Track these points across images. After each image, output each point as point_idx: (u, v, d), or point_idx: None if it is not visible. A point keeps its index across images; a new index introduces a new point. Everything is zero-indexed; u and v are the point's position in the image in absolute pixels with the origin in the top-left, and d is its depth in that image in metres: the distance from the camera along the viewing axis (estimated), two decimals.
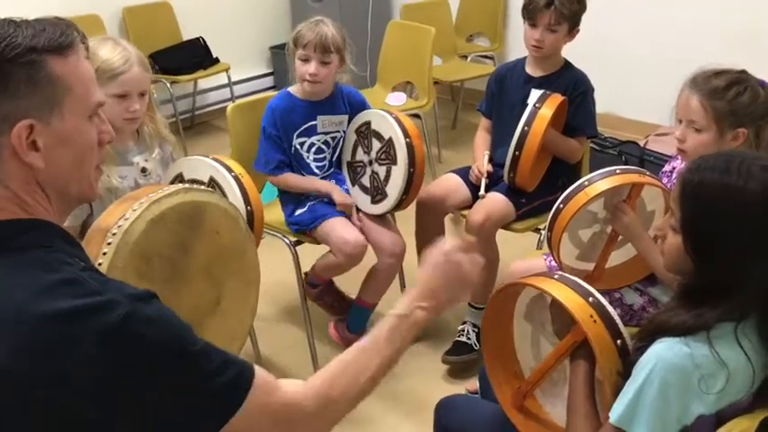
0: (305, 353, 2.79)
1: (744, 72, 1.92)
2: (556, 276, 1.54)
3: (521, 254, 2.73)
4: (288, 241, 2.70)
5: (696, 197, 1.32)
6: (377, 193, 2.66)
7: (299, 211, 2.66)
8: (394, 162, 2.58)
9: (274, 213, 2.80)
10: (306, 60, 2.56)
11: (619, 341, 1.41)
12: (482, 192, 2.67)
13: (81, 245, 1.16)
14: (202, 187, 1.70)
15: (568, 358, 1.51)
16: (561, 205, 1.98)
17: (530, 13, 2.65)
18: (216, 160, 2.20)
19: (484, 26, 5.56)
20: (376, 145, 2.64)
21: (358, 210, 2.71)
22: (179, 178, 2.20)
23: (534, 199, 2.69)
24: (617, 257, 2.15)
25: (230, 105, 2.80)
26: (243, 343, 1.73)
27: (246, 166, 2.29)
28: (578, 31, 2.68)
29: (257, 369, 1.10)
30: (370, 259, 2.65)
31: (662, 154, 3.78)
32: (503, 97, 2.84)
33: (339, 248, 2.54)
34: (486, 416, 1.70)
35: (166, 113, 4.63)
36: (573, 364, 1.49)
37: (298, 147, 2.67)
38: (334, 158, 2.75)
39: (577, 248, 2.16)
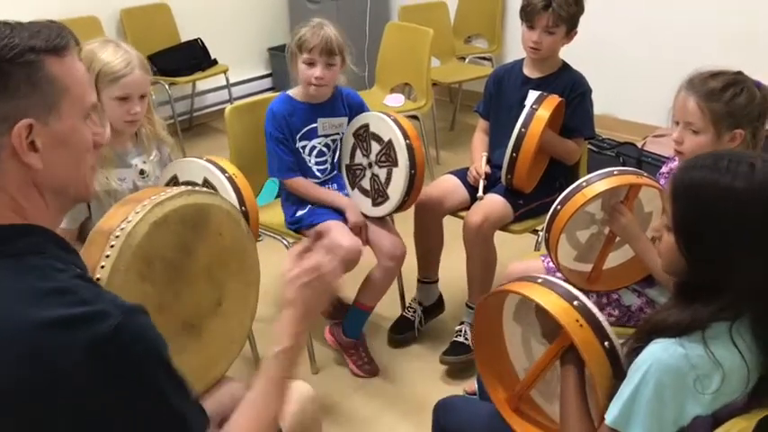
0: (303, 354, 2.79)
1: (740, 73, 1.93)
2: (540, 280, 1.53)
3: (518, 255, 2.74)
4: (287, 243, 2.71)
5: (686, 195, 1.33)
6: (378, 196, 2.66)
7: (299, 213, 2.66)
8: (395, 164, 2.58)
9: (273, 215, 2.80)
10: (311, 64, 2.55)
11: (606, 343, 1.41)
12: (480, 193, 2.68)
13: (76, 250, 1.17)
14: (204, 189, 1.70)
15: (559, 360, 1.52)
16: (559, 206, 1.99)
17: (528, 15, 2.65)
18: (209, 161, 2.20)
19: (482, 28, 5.57)
20: (375, 147, 2.64)
21: None
22: (173, 180, 2.20)
23: (532, 200, 2.70)
24: (615, 259, 2.15)
25: (228, 107, 2.80)
26: (241, 347, 1.73)
27: (245, 167, 2.29)
28: (576, 33, 2.68)
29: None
30: (369, 262, 2.65)
31: (659, 155, 3.79)
32: (500, 99, 2.85)
33: (334, 252, 2.53)
34: (483, 417, 1.71)
35: (165, 115, 4.66)
36: (563, 368, 1.50)
37: (300, 150, 2.67)
38: (335, 161, 2.75)
39: (575, 250, 2.17)
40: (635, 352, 1.33)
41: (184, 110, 5.46)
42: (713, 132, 1.90)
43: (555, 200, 2.02)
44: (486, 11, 5.45)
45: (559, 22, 2.60)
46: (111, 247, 1.33)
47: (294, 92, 2.68)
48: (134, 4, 5.02)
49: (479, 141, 2.92)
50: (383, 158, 2.62)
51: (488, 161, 2.80)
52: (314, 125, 2.66)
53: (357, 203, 2.71)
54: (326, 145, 2.71)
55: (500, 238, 2.72)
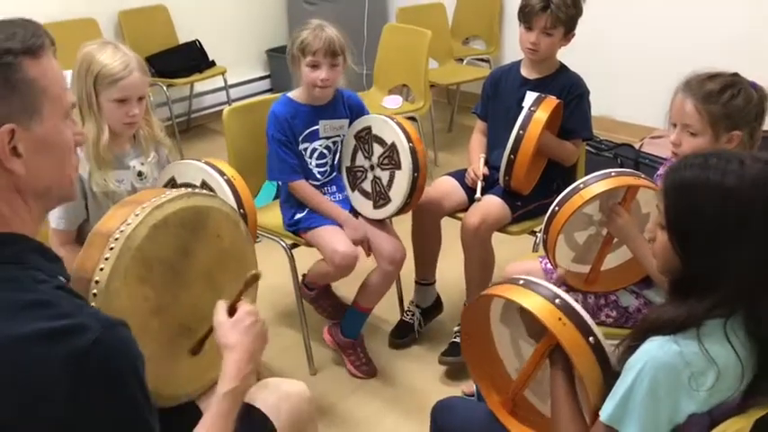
0: (301, 355, 2.80)
1: (736, 75, 1.94)
2: (521, 282, 1.54)
3: (516, 256, 2.74)
4: (284, 244, 2.71)
5: (677, 193, 1.34)
6: (379, 198, 2.66)
7: (298, 215, 2.66)
8: (397, 167, 2.58)
9: (271, 217, 2.80)
10: (315, 66, 2.55)
11: (591, 339, 1.42)
12: (478, 195, 2.68)
13: (60, 258, 1.14)
14: (204, 191, 1.70)
15: (548, 359, 1.53)
16: (557, 208, 1.99)
17: (526, 17, 2.65)
18: (207, 164, 2.20)
19: (480, 29, 5.57)
20: (378, 150, 2.64)
21: (357, 215, 2.71)
22: (171, 182, 2.20)
23: (530, 202, 2.70)
24: (612, 260, 2.16)
25: (227, 108, 2.80)
26: None
27: (243, 169, 2.29)
28: (574, 35, 2.68)
29: None
30: (368, 264, 2.65)
31: (657, 156, 3.79)
32: (498, 100, 2.85)
33: (329, 258, 2.54)
34: (481, 418, 1.71)
35: (163, 117, 4.67)
36: (552, 367, 1.51)
37: (302, 152, 2.67)
38: (335, 163, 2.75)
39: (573, 251, 2.17)
40: (631, 350, 1.33)
41: (182, 111, 5.47)
42: (711, 134, 1.90)
43: (553, 201, 2.03)
44: (484, 12, 5.46)
45: (557, 23, 2.61)
46: (111, 249, 1.32)
47: (295, 94, 2.68)
48: (132, 6, 5.02)
49: (477, 143, 2.92)
50: (385, 161, 2.62)
51: (486, 162, 2.80)
52: (315, 127, 2.66)
53: (357, 206, 2.71)
54: (327, 147, 2.71)
55: (498, 239, 2.72)
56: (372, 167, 2.67)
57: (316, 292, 2.87)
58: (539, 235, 2.59)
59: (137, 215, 1.37)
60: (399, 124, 2.59)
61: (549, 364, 1.54)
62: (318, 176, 2.71)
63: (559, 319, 1.43)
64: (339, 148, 2.73)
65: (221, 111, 2.83)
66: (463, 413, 1.76)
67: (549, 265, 2.21)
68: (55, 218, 2.08)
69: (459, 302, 2.91)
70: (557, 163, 2.74)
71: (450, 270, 3.00)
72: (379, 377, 2.77)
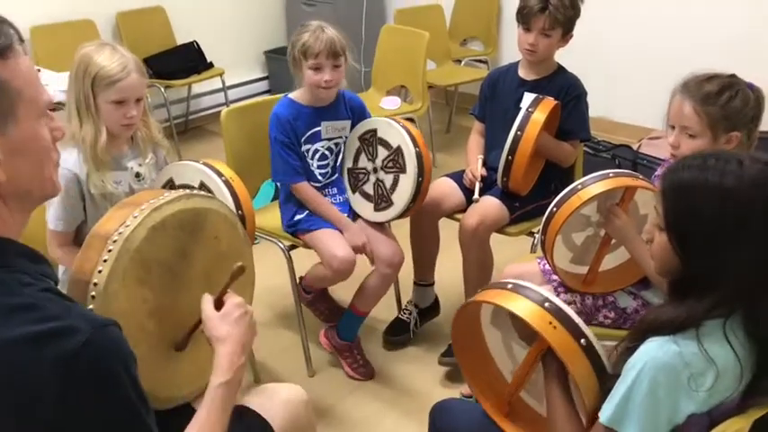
0: (299, 356, 2.80)
1: (734, 76, 1.94)
2: (509, 286, 1.53)
3: (515, 257, 2.74)
4: (282, 246, 2.71)
5: (676, 194, 1.34)
6: (381, 201, 2.65)
7: (298, 216, 2.66)
8: (402, 171, 2.58)
9: (270, 218, 2.80)
10: (318, 69, 2.55)
11: (582, 341, 1.42)
12: (476, 196, 2.68)
13: (47, 259, 1.12)
14: (202, 192, 1.70)
15: (541, 362, 1.53)
16: (555, 209, 1.99)
17: (524, 18, 2.66)
18: (206, 165, 2.20)
19: (478, 30, 5.58)
20: (382, 153, 2.63)
21: (356, 217, 2.71)
22: (170, 183, 2.20)
23: (528, 203, 2.70)
24: (610, 261, 2.16)
25: (224, 110, 2.79)
26: None
27: (241, 170, 2.29)
28: (572, 36, 2.69)
29: None
30: (365, 267, 2.65)
31: (655, 157, 3.80)
32: (496, 101, 2.85)
33: (327, 261, 2.53)
34: (480, 419, 1.71)
35: (160, 118, 4.67)
36: (545, 370, 1.51)
37: (304, 154, 2.66)
38: (336, 165, 2.75)
39: (571, 252, 2.17)
40: (630, 351, 1.33)
41: (180, 113, 5.47)
42: (710, 136, 1.90)
43: (551, 202, 2.03)
44: (482, 14, 5.47)
45: (555, 24, 2.61)
46: (109, 251, 1.32)
47: (297, 95, 2.67)
48: (130, 8, 5.02)
49: (475, 144, 2.92)
50: (390, 164, 2.62)
51: (484, 164, 2.80)
52: (318, 129, 2.66)
53: (357, 208, 2.71)
54: (329, 148, 2.70)
55: (496, 240, 2.72)
56: (375, 170, 2.66)
57: (312, 295, 2.87)
58: (537, 236, 2.59)
59: (135, 217, 1.37)
60: (406, 128, 2.59)
61: (542, 366, 1.54)
62: (320, 178, 2.71)
63: (550, 322, 1.42)
64: (341, 149, 2.73)
65: (219, 112, 2.83)
66: (461, 415, 1.76)
67: (547, 266, 2.21)
68: (53, 219, 2.07)
69: (457, 304, 2.89)
70: (555, 164, 2.74)
71: (449, 271, 3.00)
72: (378, 378, 2.76)
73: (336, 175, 2.76)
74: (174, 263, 1.44)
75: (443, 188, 2.84)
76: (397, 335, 2.94)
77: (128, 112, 2.05)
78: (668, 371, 1.26)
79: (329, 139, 2.69)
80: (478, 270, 2.70)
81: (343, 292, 2.94)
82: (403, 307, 3.01)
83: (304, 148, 2.65)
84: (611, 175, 1.97)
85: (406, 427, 2.52)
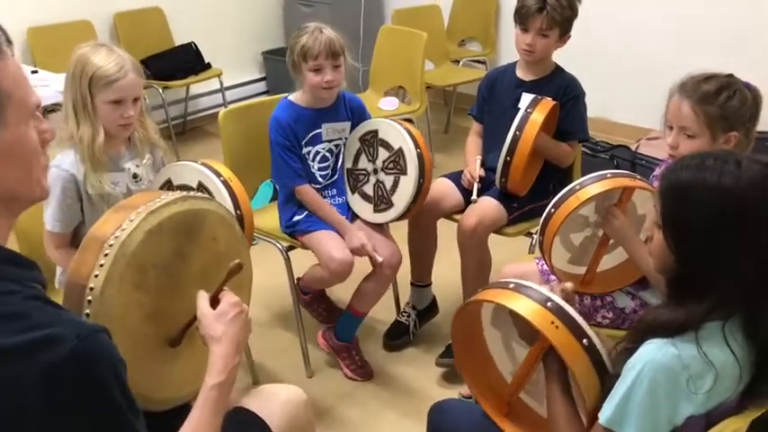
0: (297, 357, 2.79)
1: (731, 76, 1.94)
2: (511, 285, 1.52)
3: (513, 258, 2.74)
4: (280, 247, 2.70)
5: (674, 194, 1.34)
6: (381, 202, 2.65)
7: (296, 217, 2.66)
8: (403, 172, 2.57)
9: (268, 219, 2.80)
10: (318, 70, 2.54)
11: (585, 341, 1.41)
12: (474, 196, 2.68)
13: (35, 263, 1.09)
14: (199, 194, 1.69)
15: (542, 362, 1.53)
16: (553, 209, 1.99)
17: (522, 18, 2.66)
18: (204, 165, 2.20)
19: (476, 31, 5.58)
20: (383, 154, 2.63)
21: (355, 218, 2.70)
22: (168, 184, 2.20)
23: (526, 203, 2.70)
24: (608, 261, 2.16)
25: (222, 111, 2.79)
26: None
27: (239, 171, 2.29)
28: (569, 37, 2.69)
29: None
30: (363, 267, 2.65)
31: (653, 158, 3.80)
32: (494, 101, 2.85)
33: (325, 263, 2.53)
34: (478, 420, 1.71)
35: (158, 119, 4.66)
36: (546, 370, 1.50)
37: (305, 156, 2.66)
38: (337, 166, 2.74)
39: (569, 252, 2.17)
40: (628, 352, 1.33)
41: (178, 114, 5.46)
42: (708, 136, 1.90)
43: (549, 203, 2.02)
44: (480, 14, 5.46)
45: (553, 25, 2.61)
46: (105, 255, 1.31)
47: (296, 97, 2.66)
48: (127, 9, 5.02)
49: (473, 144, 2.92)
50: (390, 166, 2.61)
51: (482, 164, 2.80)
52: (318, 131, 2.65)
53: (356, 208, 2.70)
54: (330, 150, 2.70)
55: (494, 240, 2.72)
56: (376, 171, 2.66)
57: (310, 296, 2.87)
58: (535, 236, 2.59)
59: (131, 220, 1.36)
60: (407, 130, 2.59)
61: (543, 366, 1.53)
62: (320, 180, 2.70)
63: (552, 322, 1.42)
64: (341, 150, 2.73)
65: (217, 113, 2.83)
66: (460, 415, 1.76)
67: (545, 267, 2.20)
68: (50, 220, 2.07)
69: (455, 304, 2.89)
70: (553, 164, 2.74)
71: (447, 272, 3.00)
72: (376, 379, 2.76)
73: (336, 176, 2.75)
74: (171, 265, 1.44)
75: (442, 189, 2.84)
76: (397, 338, 2.94)
77: (125, 112, 2.05)
78: (668, 373, 1.26)
79: (330, 141, 2.68)
80: (477, 271, 2.70)
81: (341, 293, 2.94)
82: (401, 310, 3.01)
83: (305, 150, 2.65)
84: (609, 175, 1.97)
85: (405, 428, 2.52)
